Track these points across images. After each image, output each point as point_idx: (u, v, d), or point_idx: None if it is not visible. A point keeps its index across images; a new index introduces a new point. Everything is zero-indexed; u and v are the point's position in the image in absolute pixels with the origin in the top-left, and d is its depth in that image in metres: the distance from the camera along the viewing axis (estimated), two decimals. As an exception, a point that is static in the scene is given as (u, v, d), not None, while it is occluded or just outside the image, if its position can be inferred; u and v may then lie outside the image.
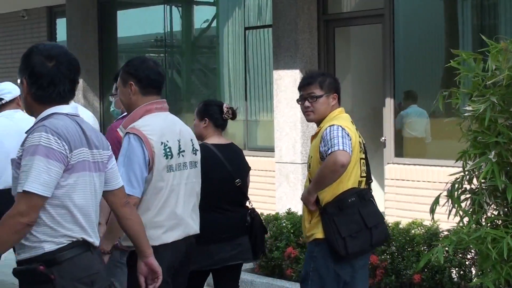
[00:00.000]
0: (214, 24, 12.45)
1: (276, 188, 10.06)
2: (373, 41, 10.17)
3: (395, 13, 9.25)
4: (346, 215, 4.68)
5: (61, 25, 14.48)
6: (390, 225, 7.14)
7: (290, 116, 9.88)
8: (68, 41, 13.64)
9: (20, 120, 6.50)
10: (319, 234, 4.78)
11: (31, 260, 3.41)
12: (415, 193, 8.79)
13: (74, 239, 3.46)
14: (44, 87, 3.60)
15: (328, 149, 4.57)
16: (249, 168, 5.74)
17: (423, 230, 6.94)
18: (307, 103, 4.93)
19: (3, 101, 6.76)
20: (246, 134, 11.33)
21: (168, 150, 4.28)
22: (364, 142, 4.99)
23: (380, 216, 4.94)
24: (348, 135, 4.62)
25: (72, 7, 13.47)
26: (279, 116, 10.04)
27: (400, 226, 7.13)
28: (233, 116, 5.54)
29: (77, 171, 3.46)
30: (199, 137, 5.44)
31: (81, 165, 3.49)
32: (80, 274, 3.45)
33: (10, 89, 6.82)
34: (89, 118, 6.78)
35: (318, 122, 4.91)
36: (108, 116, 13.47)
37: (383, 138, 9.30)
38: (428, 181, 8.66)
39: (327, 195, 4.71)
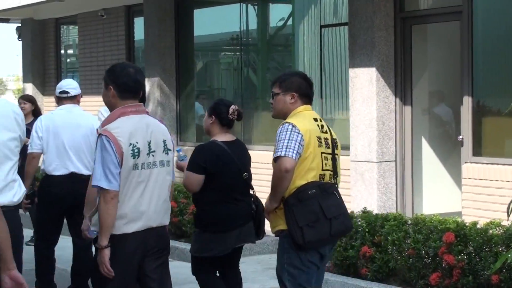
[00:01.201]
0: (289, 22, 12.46)
1: (351, 187, 10.01)
2: (450, 39, 10.03)
3: (474, 10, 9.11)
4: (305, 206, 4.97)
5: (139, 24, 14.68)
6: (467, 224, 7.05)
7: (366, 114, 9.83)
8: (146, 40, 13.82)
9: (77, 114, 7.43)
10: (282, 225, 5.07)
11: None
12: (493, 192, 8.65)
13: None
14: None
15: (275, 152, 4.96)
16: (251, 160, 6.33)
17: (501, 231, 6.82)
18: (271, 100, 5.35)
19: (68, 95, 7.48)
20: (321, 132, 11.29)
21: (136, 150, 4.71)
22: (335, 138, 5.29)
23: (342, 208, 5.19)
24: (297, 134, 4.93)
25: (149, 6, 13.64)
26: (355, 114, 9.99)
27: (478, 226, 7.02)
28: (239, 118, 6.09)
29: None
30: (207, 131, 6.19)
31: None
32: None
33: (75, 86, 7.60)
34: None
35: (283, 119, 5.22)
36: (184, 114, 13.61)
37: (460, 136, 9.17)
38: (507, 181, 8.51)
39: (289, 188, 5.00)
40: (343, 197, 10.23)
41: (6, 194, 4.93)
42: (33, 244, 7.89)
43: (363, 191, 9.83)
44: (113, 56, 15.21)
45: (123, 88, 4.83)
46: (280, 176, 4.92)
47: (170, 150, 4.93)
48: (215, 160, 5.93)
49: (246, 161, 6.17)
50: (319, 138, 5.10)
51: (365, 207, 8.10)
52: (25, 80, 17.99)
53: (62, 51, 17.74)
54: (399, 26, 9.84)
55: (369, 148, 9.80)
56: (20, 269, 4.38)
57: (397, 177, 9.83)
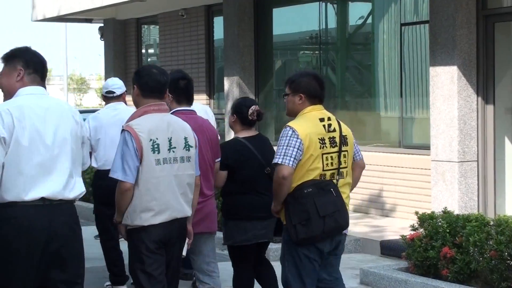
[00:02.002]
0: (369, 20, 12.38)
1: (431, 186, 9.90)
2: (535, 36, 9.83)
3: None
4: (299, 205, 5.17)
5: (218, 23, 14.79)
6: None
7: (447, 113, 9.70)
8: (225, 39, 13.92)
9: (122, 111, 7.54)
10: (284, 221, 5.37)
11: None
12: None
13: None
14: None
15: (274, 157, 5.21)
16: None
17: None
18: (284, 100, 5.56)
19: (114, 94, 7.75)
20: (401, 131, 11.21)
21: (156, 146, 5.04)
22: (344, 134, 5.36)
23: (337, 206, 5.25)
24: (295, 140, 5.14)
25: (229, 5, 13.73)
26: (436, 113, 9.87)
27: None
28: (259, 118, 6.34)
29: None
30: (231, 128, 6.54)
31: None
32: None
33: (120, 85, 7.81)
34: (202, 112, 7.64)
35: (294, 117, 5.43)
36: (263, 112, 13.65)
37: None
38: None
39: (291, 187, 5.23)
40: (424, 197, 10.24)
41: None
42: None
43: (444, 191, 9.71)
44: (193, 55, 15.37)
45: (144, 88, 5.21)
46: (278, 182, 5.17)
47: (191, 146, 5.25)
48: (235, 155, 6.23)
49: (269, 155, 6.16)
50: (322, 139, 5.24)
51: (445, 207, 7.98)
52: (107, 79, 18.30)
53: (143, 51, 18.01)
54: (482, 24, 9.68)
55: (450, 147, 9.68)
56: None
57: (478, 177, 9.68)
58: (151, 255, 5.08)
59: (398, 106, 11.22)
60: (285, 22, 14.08)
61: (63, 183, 4.51)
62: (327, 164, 5.25)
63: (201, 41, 15.26)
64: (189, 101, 6.13)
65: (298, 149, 5.14)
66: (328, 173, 5.26)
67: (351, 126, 12.30)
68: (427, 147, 10.24)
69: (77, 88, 71.04)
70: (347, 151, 5.37)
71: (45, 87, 4.71)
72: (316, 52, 13.33)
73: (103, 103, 10.33)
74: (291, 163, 5.11)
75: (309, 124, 5.26)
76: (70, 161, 4.57)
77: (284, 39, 14.33)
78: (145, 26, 17.97)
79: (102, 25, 18.59)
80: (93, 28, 19.22)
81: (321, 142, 5.22)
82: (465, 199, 9.59)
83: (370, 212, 11.32)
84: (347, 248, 9.42)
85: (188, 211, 5.26)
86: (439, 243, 7.37)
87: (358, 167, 5.58)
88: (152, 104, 5.18)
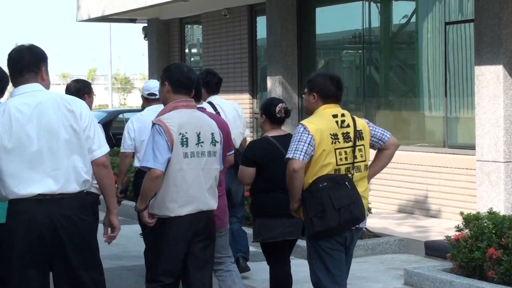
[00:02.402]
0: (413, 19, 12.30)
1: (477, 187, 9.80)
2: None
3: None
4: (315, 198, 5.33)
5: (261, 23, 14.80)
6: None
7: (493, 112, 9.60)
8: (268, 38, 13.93)
9: None
10: (303, 217, 5.52)
11: None
12: None
13: None
14: None
15: (287, 153, 5.37)
16: None
17: None
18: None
19: (156, 97, 7.52)
20: (445, 131, 11.11)
21: (185, 139, 5.25)
22: (359, 129, 5.47)
23: (352, 198, 5.36)
24: (307, 135, 5.31)
25: (272, 5, 13.73)
26: (481, 113, 9.77)
27: None
28: (287, 115, 6.47)
29: None
30: (262, 129, 6.68)
31: None
32: None
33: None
34: (231, 109, 8.05)
35: (310, 115, 5.63)
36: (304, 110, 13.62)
37: None
38: None
39: (306, 183, 5.38)
40: (469, 198, 10.13)
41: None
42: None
43: (489, 191, 9.60)
44: (236, 54, 15.40)
45: (176, 84, 5.41)
46: (290, 176, 5.34)
47: (217, 142, 5.48)
48: (263, 153, 6.38)
49: None
50: (335, 135, 5.39)
51: (491, 208, 7.90)
52: (150, 78, 18.44)
53: (186, 50, 18.10)
54: (528, 22, 9.56)
55: (495, 147, 9.57)
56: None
57: (525, 177, 9.57)
58: (173, 246, 5.28)
59: (443, 105, 11.12)
60: (329, 21, 14.05)
61: (60, 178, 4.51)
62: (340, 159, 5.40)
63: (244, 41, 15.29)
64: (197, 98, 6.17)
65: (309, 144, 5.30)
66: (343, 168, 5.40)
67: (395, 126, 12.30)
68: (472, 147, 10.14)
69: (121, 88, 71.68)
70: (363, 145, 5.50)
71: (39, 82, 4.66)
72: (360, 51, 13.28)
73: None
74: (301, 157, 5.28)
75: (321, 120, 5.43)
76: (66, 154, 4.54)
77: (327, 38, 14.30)
78: (189, 26, 18.05)
79: (145, 25, 18.72)
80: (137, 28, 19.34)
81: (333, 137, 5.38)
82: (511, 200, 9.48)
83: (414, 212, 11.24)
84: (392, 248, 9.39)
85: (214, 204, 5.44)
86: (485, 244, 7.29)
87: (391, 145, 5.69)
88: (182, 100, 5.40)
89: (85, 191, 4.66)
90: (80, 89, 7.05)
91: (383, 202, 11.58)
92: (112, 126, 19.49)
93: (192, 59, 18.30)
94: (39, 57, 4.72)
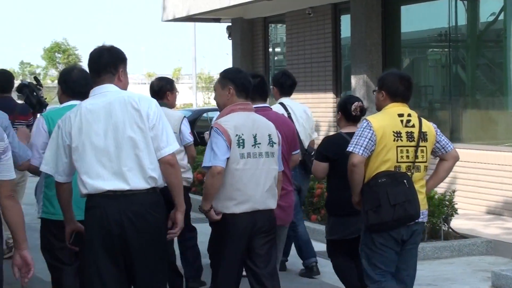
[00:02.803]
0: (501, 17, 12.05)
1: None
2: None
3: None
4: (372, 192, 5.50)
5: (345, 21, 14.73)
6: None
7: None
8: (352, 37, 13.85)
9: None
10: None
11: None
12: None
13: None
14: None
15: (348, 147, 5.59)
16: None
17: None
18: None
19: None
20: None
21: (241, 141, 5.39)
22: (424, 131, 5.58)
23: (408, 196, 5.48)
24: (368, 131, 5.49)
25: (356, 3, 13.65)
26: None
27: None
28: (362, 113, 6.66)
29: None
30: (338, 125, 6.91)
31: None
32: None
33: None
34: (301, 111, 8.08)
35: None
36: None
37: None
38: None
39: (366, 177, 5.58)
40: None
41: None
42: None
43: None
44: (320, 53, 15.37)
45: (241, 88, 5.55)
46: (350, 170, 5.54)
47: (275, 143, 5.59)
48: (336, 149, 6.43)
49: None
50: (398, 132, 5.53)
51: None
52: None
53: (270, 49, 18.13)
54: None
55: None
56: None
57: None
58: (230, 244, 5.41)
59: (532, 104, 10.88)
60: (414, 20, 13.89)
61: (126, 175, 4.64)
62: (401, 157, 5.54)
63: (328, 40, 15.23)
64: (263, 98, 6.42)
65: (369, 139, 5.48)
66: (403, 165, 5.54)
67: (482, 126, 12.07)
68: None
69: (206, 87, 72.32)
70: (425, 146, 5.62)
71: (116, 83, 4.80)
72: (445, 49, 13.08)
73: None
74: (361, 151, 5.47)
75: (385, 118, 5.59)
76: (132, 151, 4.65)
77: (413, 36, 14.13)
78: (272, 25, 18.09)
79: (230, 24, 18.83)
80: (221, 28, 19.49)
81: (395, 135, 5.52)
82: None
83: (503, 214, 11.01)
84: (478, 250, 9.23)
85: (271, 204, 5.55)
86: None
87: (451, 157, 5.80)
88: (239, 103, 5.54)
89: (158, 188, 4.76)
90: (163, 86, 7.25)
91: (470, 203, 11.37)
92: (197, 125, 19.68)
93: (275, 58, 18.32)
94: (118, 58, 4.83)
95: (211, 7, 16.24)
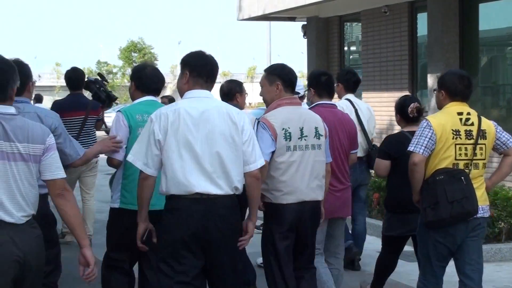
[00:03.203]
0: None
1: None
2: None
3: None
4: (431, 190, 5.62)
5: (422, 20, 14.58)
6: None
7: None
8: (429, 35, 13.71)
9: (305, 110, 7.59)
10: None
11: None
12: None
13: None
14: None
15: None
16: None
17: None
18: None
19: (299, 95, 7.56)
20: None
21: (288, 134, 5.63)
22: (483, 129, 5.69)
23: (466, 193, 5.57)
24: (428, 130, 5.62)
25: (433, 1, 13.50)
26: None
27: None
28: (419, 114, 6.84)
29: None
30: (398, 124, 7.07)
31: None
32: None
33: (302, 86, 7.78)
34: (365, 109, 8.40)
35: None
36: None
37: None
38: None
39: (425, 175, 5.70)
40: None
41: None
42: None
43: None
44: (396, 52, 15.24)
45: (288, 84, 5.81)
46: (410, 169, 5.69)
47: (321, 135, 5.80)
48: (398, 146, 6.60)
49: None
50: (456, 131, 5.65)
51: None
52: (309, 76, 18.47)
53: (345, 48, 18.05)
54: None
55: None
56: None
57: None
58: (279, 232, 5.66)
59: None
60: (492, 18, 13.66)
61: (216, 180, 4.89)
62: (460, 154, 5.65)
63: (404, 38, 15.09)
64: (330, 95, 6.64)
65: (430, 139, 5.61)
66: (461, 163, 5.66)
67: None
68: None
69: (280, 86, 72.30)
70: (484, 144, 5.73)
71: (210, 89, 5.10)
72: (525, 48, 12.84)
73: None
74: (421, 151, 5.60)
75: (445, 117, 5.72)
76: (224, 160, 4.90)
77: (491, 34, 13.91)
78: (348, 24, 18.00)
79: (305, 23, 18.82)
80: (296, 26, 19.45)
81: (454, 133, 5.64)
82: None
83: None
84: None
85: (318, 195, 5.78)
86: None
87: None
88: (286, 98, 5.79)
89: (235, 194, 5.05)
90: (232, 88, 7.51)
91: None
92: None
93: (351, 57, 18.23)
94: (218, 70, 5.21)
95: (286, 6, 16.26)
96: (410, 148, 5.65)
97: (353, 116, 8.00)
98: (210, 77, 5.07)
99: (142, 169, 4.95)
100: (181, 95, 5.11)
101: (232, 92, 7.43)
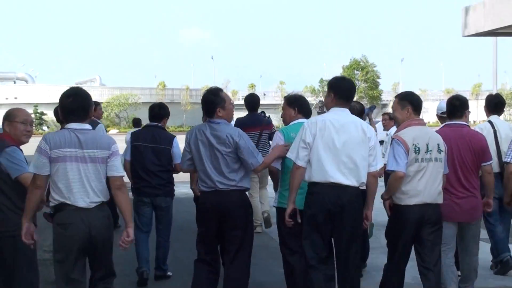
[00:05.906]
0: None
1: None
2: None
3: None
4: None
5: None
6: None
7: None
8: None
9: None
10: None
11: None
12: None
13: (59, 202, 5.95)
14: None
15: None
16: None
17: None
18: None
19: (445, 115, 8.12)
20: None
21: (417, 148, 6.79)
22: None
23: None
24: None
25: None
26: None
27: None
28: None
29: (57, 162, 5.82)
30: None
31: (61, 158, 5.81)
32: (58, 221, 5.88)
33: (444, 107, 8.26)
34: (507, 129, 8.86)
35: None
36: None
37: None
38: None
39: None
40: None
41: None
42: None
43: None
44: None
45: (416, 107, 7.04)
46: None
47: (442, 150, 6.91)
48: None
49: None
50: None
51: None
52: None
53: None
54: None
55: None
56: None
57: None
58: (403, 230, 6.80)
59: None
60: None
61: (348, 174, 6.47)
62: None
63: None
64: (460, 117, 7.45)
65: None
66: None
67: None
68: None
69: (508, 104, 69.96)
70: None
71: (347, 107, 6.68)
72: None
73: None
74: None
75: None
76: (356, 160, 6.49)
77: None
78: None
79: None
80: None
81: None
82: None
83: None
84: None
85: (438, 199, 6.88)
86: None
87: None
88: (414, 119, 6.97)
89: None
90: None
91: None
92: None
93: None
94: (355, 92, 6.90)
95: (513, 21, 15.72)
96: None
97: (490, 137, 8.62)
98: (349, 98, 6.71)
99: (295, 161, 6.57)
100: (327, 109, 6.70)
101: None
